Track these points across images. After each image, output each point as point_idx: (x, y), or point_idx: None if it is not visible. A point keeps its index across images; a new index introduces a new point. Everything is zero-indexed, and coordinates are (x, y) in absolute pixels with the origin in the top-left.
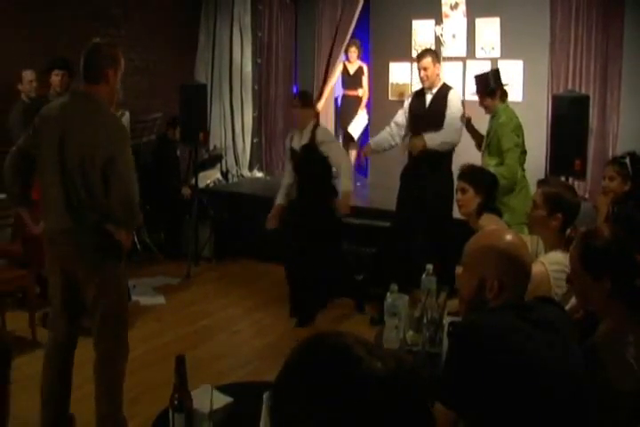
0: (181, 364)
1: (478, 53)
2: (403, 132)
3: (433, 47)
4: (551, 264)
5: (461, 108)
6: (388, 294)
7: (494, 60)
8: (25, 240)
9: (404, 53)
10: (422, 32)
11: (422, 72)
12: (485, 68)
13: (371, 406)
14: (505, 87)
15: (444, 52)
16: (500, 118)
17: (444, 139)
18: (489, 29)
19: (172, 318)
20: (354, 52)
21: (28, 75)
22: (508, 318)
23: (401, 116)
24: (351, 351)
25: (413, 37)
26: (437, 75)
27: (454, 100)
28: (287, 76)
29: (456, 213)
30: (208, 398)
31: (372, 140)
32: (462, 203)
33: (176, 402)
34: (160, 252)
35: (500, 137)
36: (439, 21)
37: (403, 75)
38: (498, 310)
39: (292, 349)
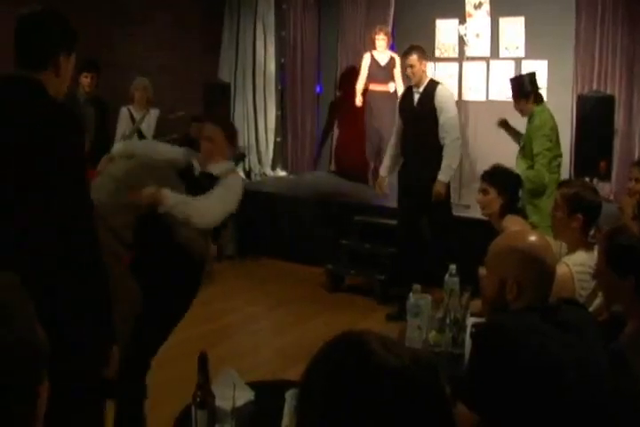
0: (204, 361)
1: (502, 53)
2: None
3: (456, 47)
4: (575, 265)
5: (454, 105)
6: (411, 293)
7: (518, 61)
8: None
9: (426, 53)
10: (445, 31)
11: (408, 69)
12: (509, 68)
13: (385, 401)
14: (540, 91)
15: (468, 52)
16: (535, 121)
17: (451, 157)
18: (513, 29)
19: (193, 315)
20: (383, 39)
21: None
22: (530, 319)
23: (398, 125)
24: (365, 347)
25: (437, 37)
26: (424, 71)
27: (443, 98)
28: (311, 75)
29: (477, 214)
30: (231, 386)
31: (382, 169)
32: (483, 204)
33: (199, 399)
34: None
35: (531, 140)
36: (463, 21)
37: None
38: (522, 312)
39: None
